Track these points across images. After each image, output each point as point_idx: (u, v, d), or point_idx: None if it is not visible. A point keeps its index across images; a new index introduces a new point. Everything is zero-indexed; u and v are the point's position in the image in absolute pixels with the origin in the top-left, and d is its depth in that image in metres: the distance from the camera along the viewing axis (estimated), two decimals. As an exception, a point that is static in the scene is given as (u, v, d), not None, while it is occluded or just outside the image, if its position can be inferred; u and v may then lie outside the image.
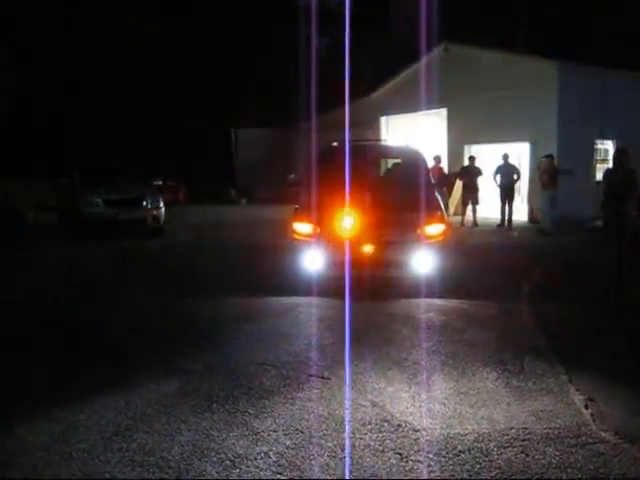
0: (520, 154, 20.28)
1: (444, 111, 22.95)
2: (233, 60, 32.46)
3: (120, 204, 15.04)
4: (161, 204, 15.86)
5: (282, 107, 30.23)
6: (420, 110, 22.68)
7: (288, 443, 3.93)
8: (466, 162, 19.68)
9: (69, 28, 29.76)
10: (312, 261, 8.17)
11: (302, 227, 8.35)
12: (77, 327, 6.98)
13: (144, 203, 15.37)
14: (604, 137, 20.11)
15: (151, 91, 31.37)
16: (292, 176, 10.31)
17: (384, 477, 3.51)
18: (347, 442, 3.94)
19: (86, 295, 8.70)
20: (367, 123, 25.11)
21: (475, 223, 18.64)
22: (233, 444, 3.92)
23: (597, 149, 20.33)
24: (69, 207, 15.84)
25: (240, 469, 3.61)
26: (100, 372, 5.36)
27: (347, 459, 3.72)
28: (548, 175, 16.49)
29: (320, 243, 8.13)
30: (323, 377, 5.14)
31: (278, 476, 3.53)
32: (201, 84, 32.25)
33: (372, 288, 7.99)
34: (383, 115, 25.31)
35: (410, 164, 9.79)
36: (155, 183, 17.40)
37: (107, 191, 15.22)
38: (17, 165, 25.08)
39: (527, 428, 4.16)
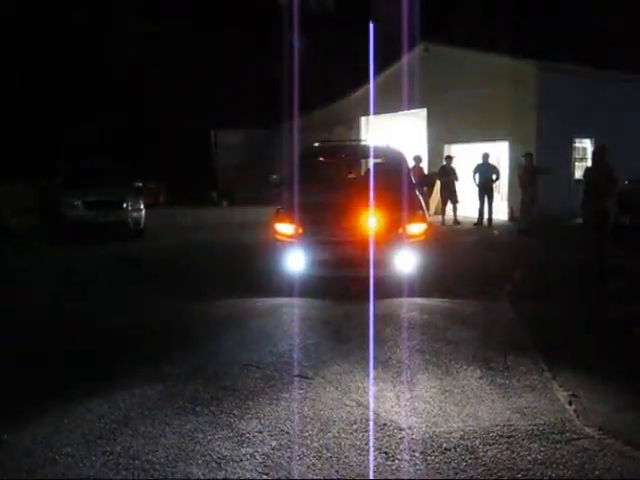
0: (500, 154, 20.39)
1: (424, 112, 23.01)
2: (214, 60, 32.31)
3: (100, 206, 14.92)
4: (142, 206, 15.75)
5: (264, 108, 30.17)
6: (400, 110, 22.75)
7: (274, 444, 3.92)
8: (444, 162, 19.76)
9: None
10: (294, 262, 8.15)
11: (284, 228, 8.33)
12: (60, 331, 6.90)
13: (124, 205, 15.25)
14: (582, 136, 20.29)
15: (131, 92, 31.18)
16: (274, 177, 10.27)
17: (370, 477, 3.51)
18: (333, 442, 3.94)
19: (67, 300, 8.61)
20: (348, 123, 25.19)
21: (456, 221, 18.78)
22: (218, 446, 3.90)
23: (575, 147, 20.48)
24: (51, 209, 15.71)
25: (226, 471, 3.59)
26: (84, 376, 5.30)
27: (333, 459, 3.72)
28: (528, 174, 16.61)
29: (302, 244, 8.12)
30: (307, 377, 5.13)
31: (264, 477, 3.51)
32: (182, 85, 32.11)
33: (354, 288, 7.99)
34: (363, 115, 25.33)
35: (391, 164, 9.81)
36: (136, 185, 17.27)
37: (87, 193, 15.08)
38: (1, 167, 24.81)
39: (512, 425, 4.18)
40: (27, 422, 4.31)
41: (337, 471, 3.57)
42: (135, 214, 15.49)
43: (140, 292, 8.90)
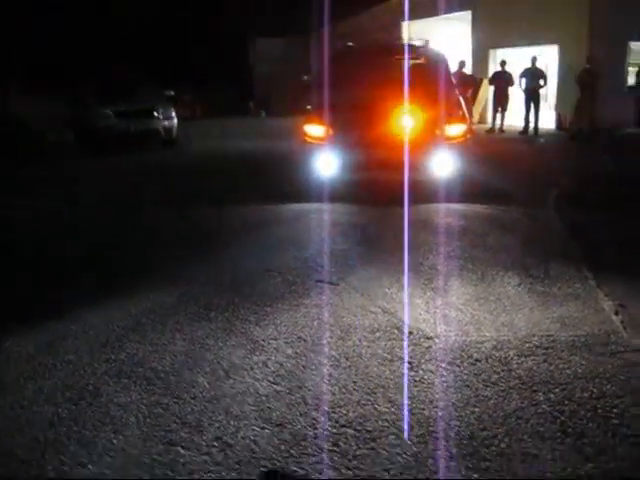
0: (548, 60, 19.29)
1: (468, 15, 21.85)
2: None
3: (132, 115, 14.61)
4: (173, 114, 15.42)
5: (300, 13, 29.02)
6: (443, 13, 21.62)
7: (289, 352, 3.62)
8: (497, 67, 18.81)
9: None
10: (325, 165, 7.74)
11: (314, 129, 7.88)
12: (76, 236, 6.69)
13: (156, 114, 14.93)
14: (638, 39, 19.02)
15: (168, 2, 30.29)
16: (306, 77, 9.70)
17: (391, 387, 3.19)
18: (352, 351, 3.62)
19: (97, 208, 8.37)
20: (388, 29, 24.14)
21: (501, 129, 18.03)
22: (229, 354, 3.61)
23: (630, 51, 19.23)
24: (82, 121, 15.42)
25: (234, 380, 3.30)
26: (96, 281, 5.09)
27: (351, 369, 3.40)
28: (591, 77, 15.79)
29: (333, 146, 7.67)
30: (331, 283, 4.80)
31: (275, 387, 3.21)
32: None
33: (388, 192, 7.57)
34: (405, 20, 24.21)
35: (430, 63, 9.17)
36: (167, 93, 16.83)
37: (118, 103, 14.75)
38: (37, 84, 24.45)
39: (551, 335, 3.79)
40: (32, 328, 4.07)
41: (354, 382, 3.25)
42: (167, 123, 15.20)
43: (166, 198, 8.63)
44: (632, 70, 18.88)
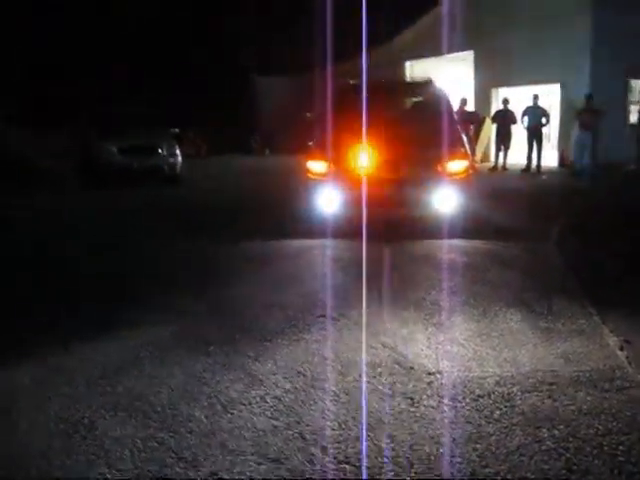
0: (551, 99, 19.41)
1: (470, 55, 22.05)
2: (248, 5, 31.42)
3: (135, 152, 14.66)
4: (177, 151, 15.45)
5: (304, 55, 29.32)
6: (446, 53, 21.80)
7: (288, 387, 3.56)
8: (500, 106, 18.94)
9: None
10: (327, 201, 7.72)
11: (316, 165, 7.88)
12: (82, 267, 6.69)
13: (160, 151, 14.99)
14: (639, 76, 19.15)
15: (171, 40, 30.63)
16: (309, 115, 9.75)
17: (391, 423, 3.12)
18: (352, 386, 3.56)
19: (97, 239, 8.36)
20: (391, 68, 24.35)
21: (504, 167, 18.10)
22: (227, 388, 3.56)
23: (632, 89, 19.34)
24: (85, 156, 15.51)
25: (232, 414, 3.24)
26: (96, 313, 5.04)
27: (351, 404, 3.34)
28: (590, 115, 15.86)
29: (335, 182, 7.67)
30: (332, 318, 4.75)
31: (273, 422, 3.15)
32: (221, 27, 31.39)
33: (390, 228, 7.55)
34: (407, 60, 24.46)
35: (432, 100, 9.22)
36: (172, 131, 16.94)
37: (122, 139, 14.82)
38: (38, 116, 24.62)
39: (555, 371, 3.73)
40: (29, 360, 4.03)
41: (354, 417, 3.18)
42: (171, 159, 15.23)
43: (168, 233, 8.61)
44: (634, 108, 19.01)
